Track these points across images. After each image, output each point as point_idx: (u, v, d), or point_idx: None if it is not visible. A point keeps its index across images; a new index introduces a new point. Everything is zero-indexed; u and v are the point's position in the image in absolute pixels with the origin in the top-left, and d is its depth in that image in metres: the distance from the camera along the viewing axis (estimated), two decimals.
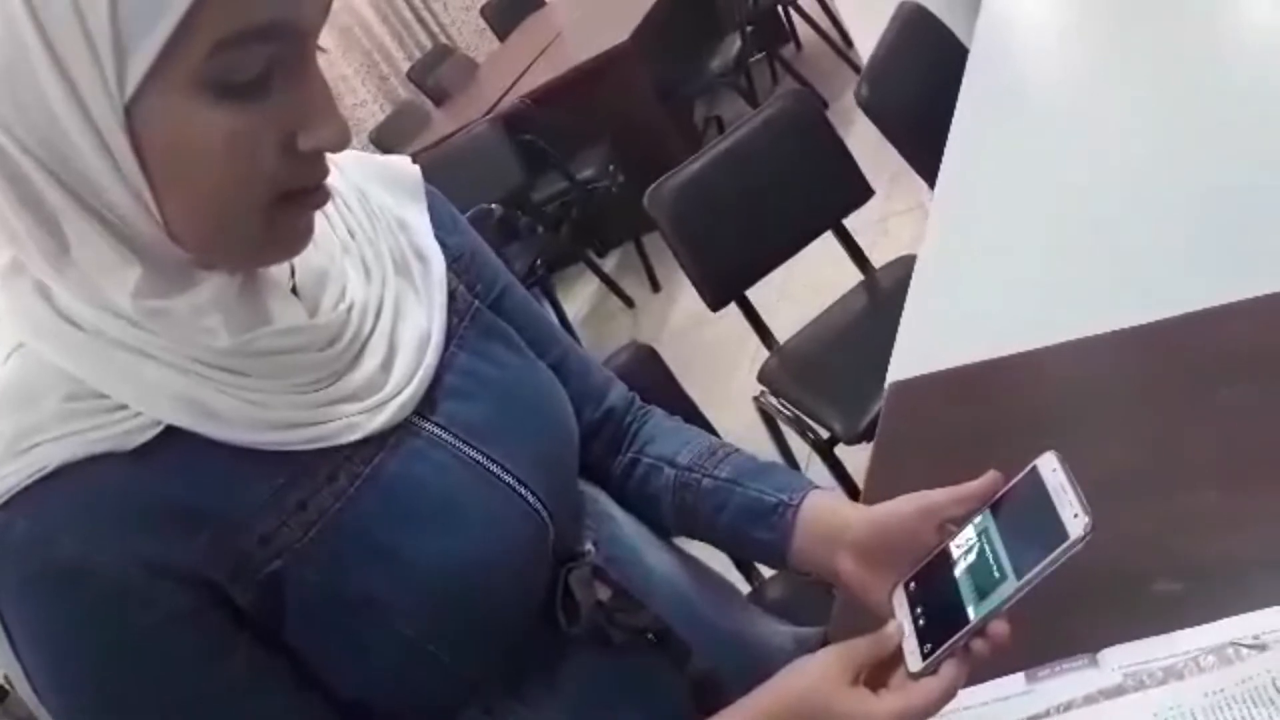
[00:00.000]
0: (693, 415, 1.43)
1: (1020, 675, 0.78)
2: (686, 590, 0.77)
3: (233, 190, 0.52)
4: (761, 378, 1.92)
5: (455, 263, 0.71)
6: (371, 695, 0.60)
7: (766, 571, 1.46)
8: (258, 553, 0.56)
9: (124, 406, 0.54)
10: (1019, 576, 0.58)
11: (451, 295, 0.69)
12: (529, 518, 0.65)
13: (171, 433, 0.54)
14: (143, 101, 0.48)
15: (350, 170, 0.68)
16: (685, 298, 3.36)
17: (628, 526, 0.77)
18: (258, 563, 0.56)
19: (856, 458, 1.69)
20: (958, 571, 0.62)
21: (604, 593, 0.68)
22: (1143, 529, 0.83)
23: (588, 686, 0.67)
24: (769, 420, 1.96)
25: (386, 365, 0.62)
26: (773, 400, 1.87)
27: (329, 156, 0.59)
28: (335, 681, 0.59)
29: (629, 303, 3.61)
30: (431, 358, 0.64)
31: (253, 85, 0.50)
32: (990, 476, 0.64)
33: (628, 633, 0.69)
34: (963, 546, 0.63)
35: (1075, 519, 0.57)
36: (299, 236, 0.57)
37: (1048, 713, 0.74)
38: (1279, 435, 0.85)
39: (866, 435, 1.62)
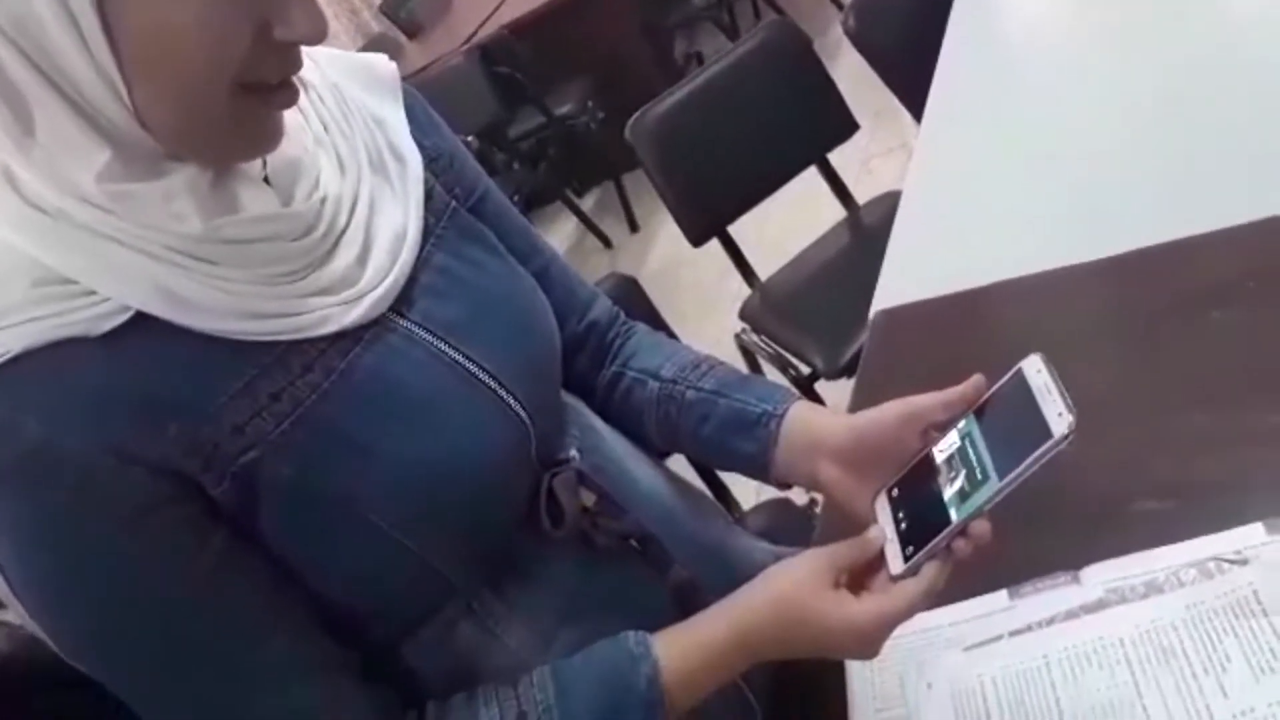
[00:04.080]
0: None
1: (1003, 592, 0.78)
2: (669, 502, 0.77)
3: (203, 77, 0.51)
4: (743, 314, 1.91)
5: (433, 163, 0.70)
6: (350, 592, 0.60)
7: (745, 503, 1.47)
8: (229, 444, 0.55)
9: (92, 292, 0.52)
10: (1001, 476, 0.58)
11: (429, 194, 0.67)
12: (509, 420, 0.64)
13: (141, 319, 0.53)
14: None
15: (326, 65, 0.66)
16: (664, 238, 3.34)
17: (611, 439, 0.76)
18: (230, 454, 0.55)
19: (837, 393, 1.69)
20: (940, 475, 0.62)
21: (588, 498, 0.68)
22: (1126, 450, 0.84)
23: (571, 589, 0.67)
24: (749, 358, 1.96)
25: (362, 259, 0.60)
26: (754, 337, 1.87)
27: (305, 51, 0.57)
28: (312, 578, 0.58)
29: (607, 243, 3.58)
30: (408, 254, 0.63)
31: None
32: (974, 380, 0.63)
33: (611, 538, 0.68)
34: (945, 451, 0.63)
35: (1059, 418, 0.57)
36: (267, 135, 0.56)
37: (1030, 628, 0.75)
38: (1260, 358, 0.86)
39: (847, 370, 1.62)
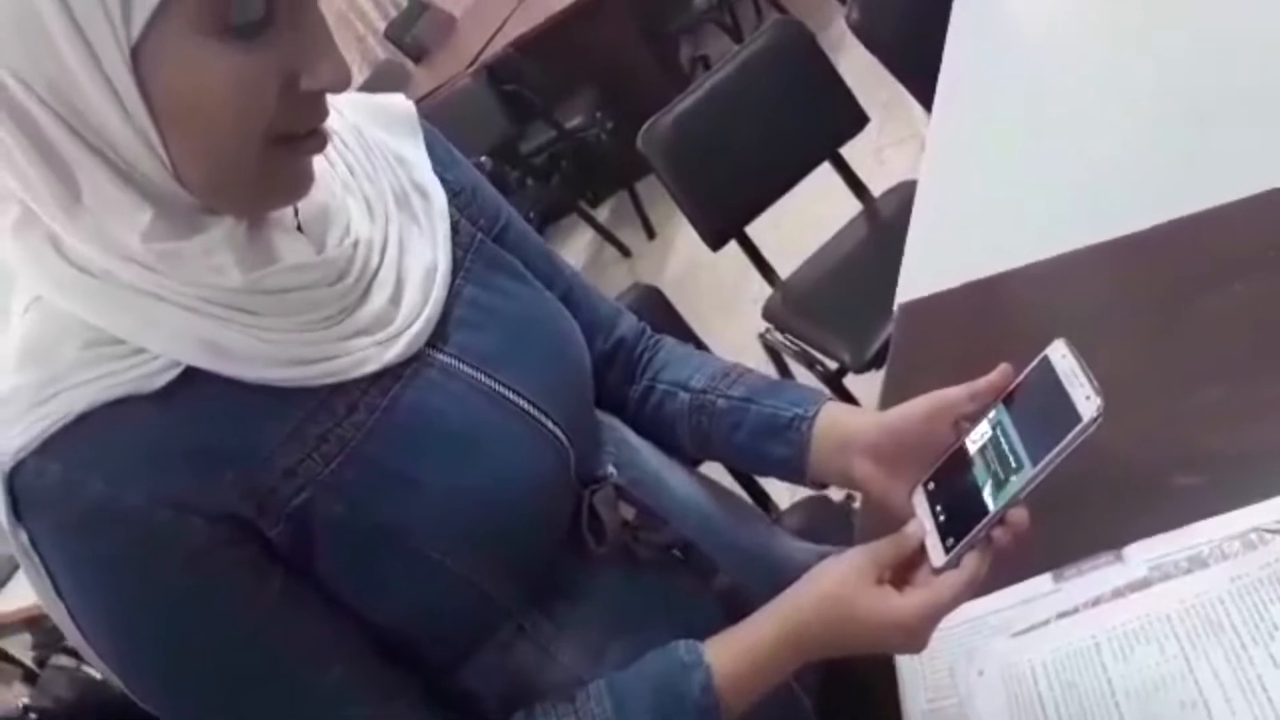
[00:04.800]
0: (700, 349, 1.44)
1: (1047, 576, 0.79)
2: (708, 510, 0.78)
3: (235, 131, 0.52)
4: (766, 314, 1.92)
5: (456, 197, 0.71)
6: (404, 620, 0.61)
7: (782, 504, 1.47)
8: (282, 487, 0.57)
9: (142, 350, 0.54)
10: (1034, 463, 0.58)
11: (454, 228, 0.69)
12: (548, 443, 0.65)
13: (190, 373, 0.55)
14: (149, 44, 0.49)
15: (346, 110, 0.68)
16: (682, 243, 3.35)
17: (646, 452, 0.78)
18: (283, 496, 0.56)
19: (866, 386, 1.69)
20: (975, 465, 0.63)
21: (628, 512, 0.69)
22: (1159, 426, 0.84)
23: (617, 603, 0.68)
24: (776, 357, 1.96)
25: (395, 299, 0.62)
26: (779, 336, 1.88)
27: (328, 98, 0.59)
28: (368, 609, 0.60)
29: (625, 252, 3.60)
30: (440, 290, 0.64)
31: (256, 26, 0.51)
32: (1002, 369, 0.64)
33: (653, 549, 0.70)
34: (978, 441, 0.64)
35: (1087, 401, 0.57)
36: (300, 181, 0.57)
37: (1076, 609, 0.76)
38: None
39: (875, 363, 1.62)
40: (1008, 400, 0.64)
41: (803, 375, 1.95)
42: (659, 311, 1.45)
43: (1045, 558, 0.79)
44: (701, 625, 0.68)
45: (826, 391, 0.77)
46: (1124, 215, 1.05)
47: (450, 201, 0.70)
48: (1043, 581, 0.79)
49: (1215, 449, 0.80)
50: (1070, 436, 0.57)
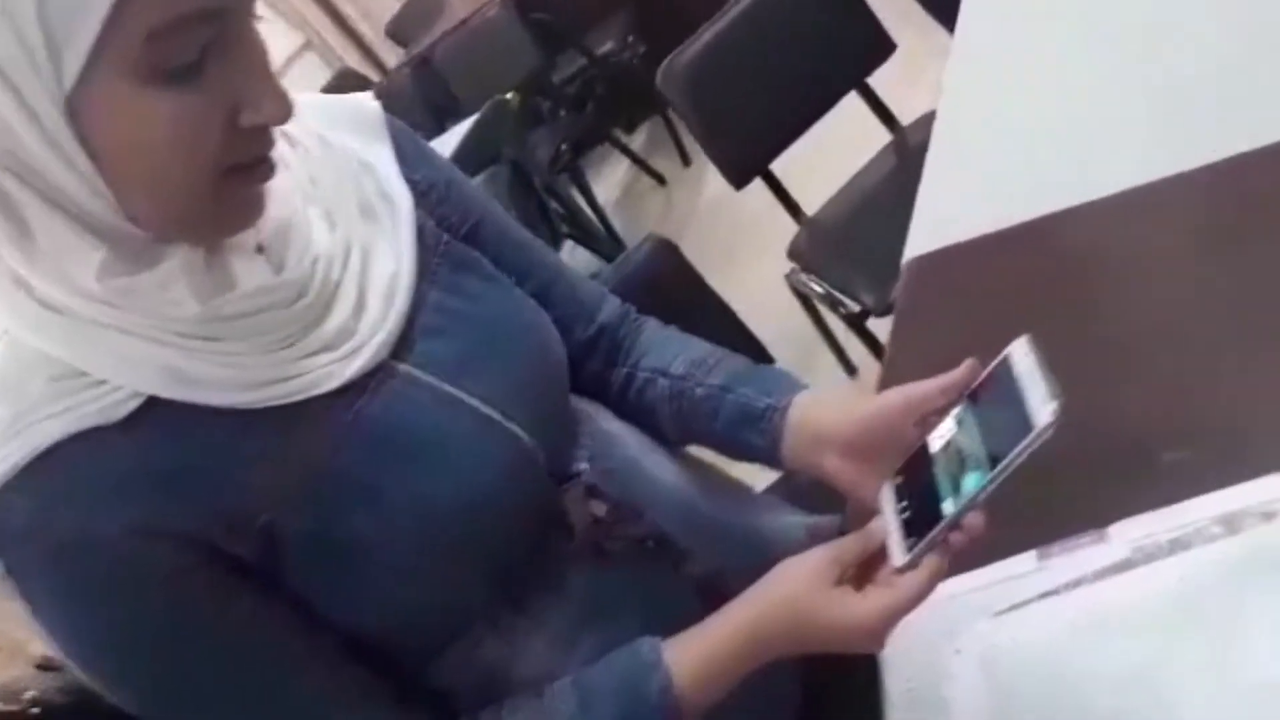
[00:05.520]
0: (714, 308, 1.42)
1: (1032, 553, 0.78)
2: (689, 494, 0.79)
3: (180, 172, 0.53)
4: (791, 254, 1.89)
5: (424, 197, 0.71)
6: (376, 625, 0.63)
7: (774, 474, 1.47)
8: (250, 507, 0.58)
9: (104, 382, 0.56)
10: (990, 468, 0.57)
11: (420, 232, 0.69)
12: (514, 448, 0.66)
13: (155, 402, 0.57)
14: (83, 94, 0.50)
15: (310, 116, 0.67)
16: (717, 170, 3.29)
17: (627, 439, 0.78)
18: (250, 517, 0.58)
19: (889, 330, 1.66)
20: (936, 464, 0.62)
21: (600, 508, 0.70)
22: (1152, 397, 0.82)
23: (588, 596, 0.69)
24: (804, 299, 1.94)
25: (358, 310, 0.63)
26: (803, 277, 1.85)
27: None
28: (340, 615, 0.62)
29: (660, 180, 3.55)
30: (402, 299, 0.65)
31: (191, 68, 0.51)
32: (967, 365, 0.63)
33: (625, 544, 0.71)
34: (942, 438, 0.63)
35: (1043, 405, 0.56)
36: (250, 209, 0.58)
37: (1059, 590, 0.75)
38: None
39: None
40: (973, 397, 0.63)
41: (828, 317, 1.93)
42: (674, 265, 1.44)
43: (1030, 534, 0.78)
44: (676, 614, 0.69)
45: (801, 382, 0.76)
46: (1137, 166, 1.00)
47: (418, 203, 0.70)
48: (1026, 559, 0.78)
49: (1206, 423, 0.78)
50: (1023, 444, 0.56)
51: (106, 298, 0.55)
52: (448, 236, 0.72)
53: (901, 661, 0.79)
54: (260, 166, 0.57)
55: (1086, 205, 1.02)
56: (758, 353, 1.44)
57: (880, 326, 1.73)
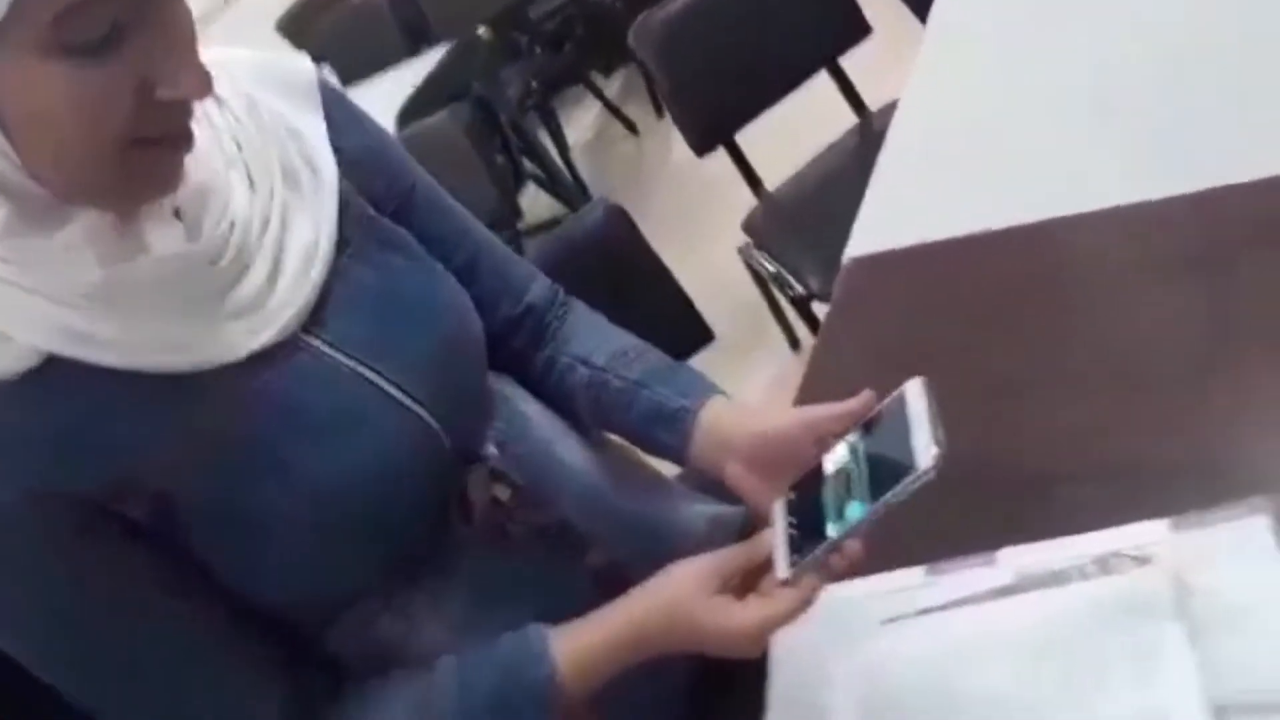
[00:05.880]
0: (660, 279, 1.43)
1: (922, 568, 0.81)
2: (599, 482, 0.80)
3: (86, 143, 0.52)
4: (745, 227, 1.89)
5: (354, 166, 0.70)
6: (271, 593, 0.64)
7: None
8: (146, 472, 0.58)
9: (4, 335, 0.55)
10: (872, 500, 0.60)
11: (345, 205, 0.68)
12: (419, 430, 0.66)
13: (54, 360, 0.56)
14: None
15: (241, 76, 0.66)
16: None
17: (542, 423, 0.79)
18: (147, 481, 0.58)
19: None
20: (826, 486, 0.64)
21: (504, 492, 0.71)
22: (1059, 428, 0.85)
23: (485, 579, 0.71)
24: (755, 272, 1.95)
25: (272, 279, 0.62)
26: (755, 253, 1.85)
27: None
28: (234, 582, 0.63)
29: (632, 129, 3.51)
30: (319, 270, 0.64)
31: (102, 42, 0.50)
32: (863, 397, 0.65)
33: (527, 529, 0.72)
34: (834, 462, 0.65)
35: (926, 450, 0.58)
36: (166, 180, 0.57)
37: (944, 607, 0.78)
38: (1211, 337, 0.85)
39: None
40: (867, 427, 0.65)
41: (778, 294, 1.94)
42: (624, 232, 1.44)
43: (922, 549, 0.81)
44: (573, 602, 0.71)
45: (715, 386, 0.78)
46: (1087, 193, 1.01)
47: (346, 173, 0.69)
48: (916, 574, 0.81)
49: (1106, 461, 0.81)
50: (903, 484, 0.58)
51: (6, 255, 0.54)
52: (373, 211, 0.71)
53: (788, 661, 0.82)
54: (175, 139, 0.56)
55: (1027, 227, 1.04)
56: (698, 329, 1.45)
57: (825, 311, 1.75)
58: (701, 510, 0.89)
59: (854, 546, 0.62)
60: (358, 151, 0.71)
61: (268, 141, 0.65)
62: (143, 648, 0.61)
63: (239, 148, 0.64)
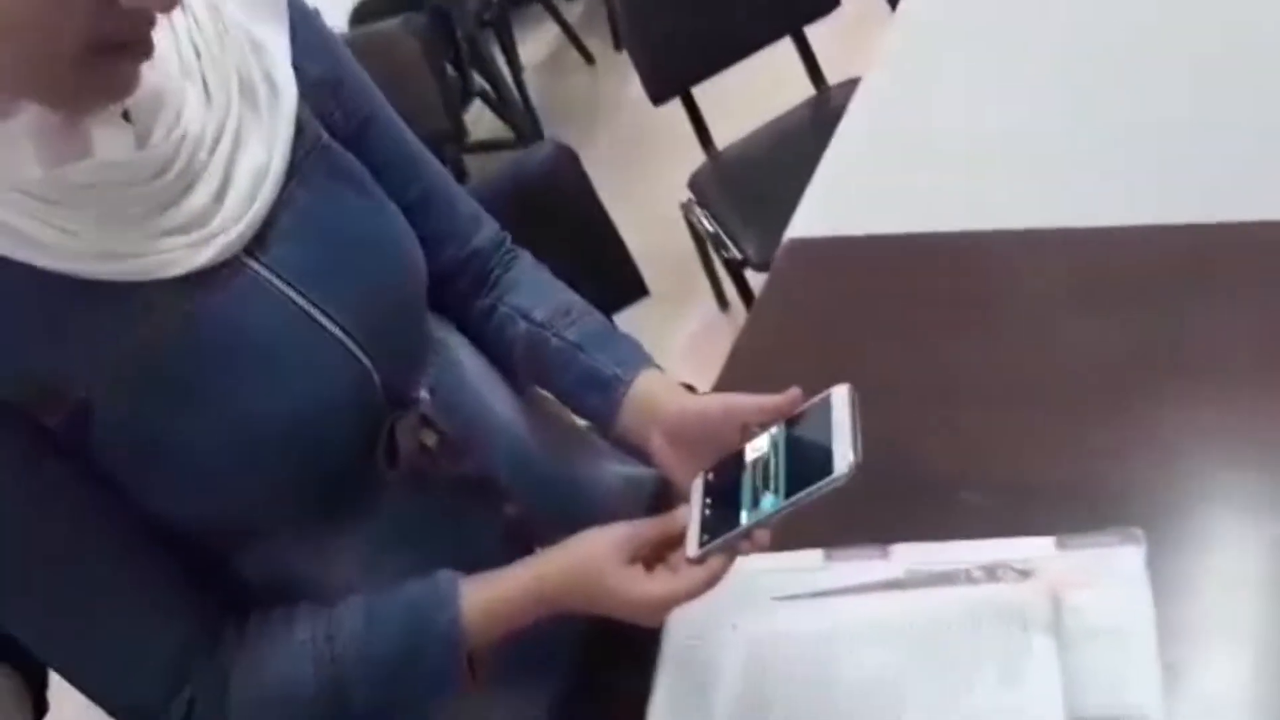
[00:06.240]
0: (601, 225, 1.42)
1: (819, 551, 0.85)
2: (523, 435, 0.81)
3: (45, 48, 0.50)
4: (691, 184, 1.89)
5: (314, 89, 0.68)
6: (182, 515, 0.63)
7: None
8: (65, 380, 0.57)
9: None
10: (786, 496, 0.62)
11: (300, 129, 0.66)
12: (352, 368, 0.66)
13: None
14: None
15: None
16: None
17: (474, 371, 0.79)
18: (65, 391, 0.57)
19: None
20: (743, 475, 0.66)
21: (431, 438, 0.71)
22: (968, 438, 0.89)
23: (400, 522, 0.71)
24: (694, 231, 1.96)
25: (219, 197, 0.60)
26: (697, 211, 1.86)
27: None
28: (144, 500, 0.62)
29: (589, 59, 3.45)
30: (268, 192, 0.62)
31: None
32: (790, 395, 0.67)
33: (448, 478, 0.72)
34: (755, 452, 0.67)
35: (843, 459, 0.61)
36: (121, 86, 0.55)
37: (834, 592, 0.82)
38: (1114, 370, 0.89)
39: None
40: (790, 423, 0.67)
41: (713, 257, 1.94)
42: (570, 175, 1.42)
43: (822, 533, 0.85)
44: (481, 551, 0.72)
45: (649, 358, 0.79)
46: (1035, 210, 1.04)
47: (305, 94, 0.67)
48: (814, 556, 0.85)
49: (1004, 473, 0.85)
50: (817, 486, 0.61)
51: None
52: (327, 137, 0.69)
53: (682, 624, 0.85)
54: (134, 48, 0.54)
55: (967, 234, 1.07)
56: (634, 283, 1.45)
57: (756, 279, 1.77)
58: (618, 470, 0.91)
59: (762, 536, 0.64)
60: (319, 73, 0.69)
61: (228, 51, 0.63)
62: (41, 556, 0.60)
63: (197, 55, 0.61)
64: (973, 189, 1.13)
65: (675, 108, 1.92)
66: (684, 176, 1.92)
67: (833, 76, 1.97)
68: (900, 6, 1.48)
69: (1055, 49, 1.30)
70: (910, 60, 1.39)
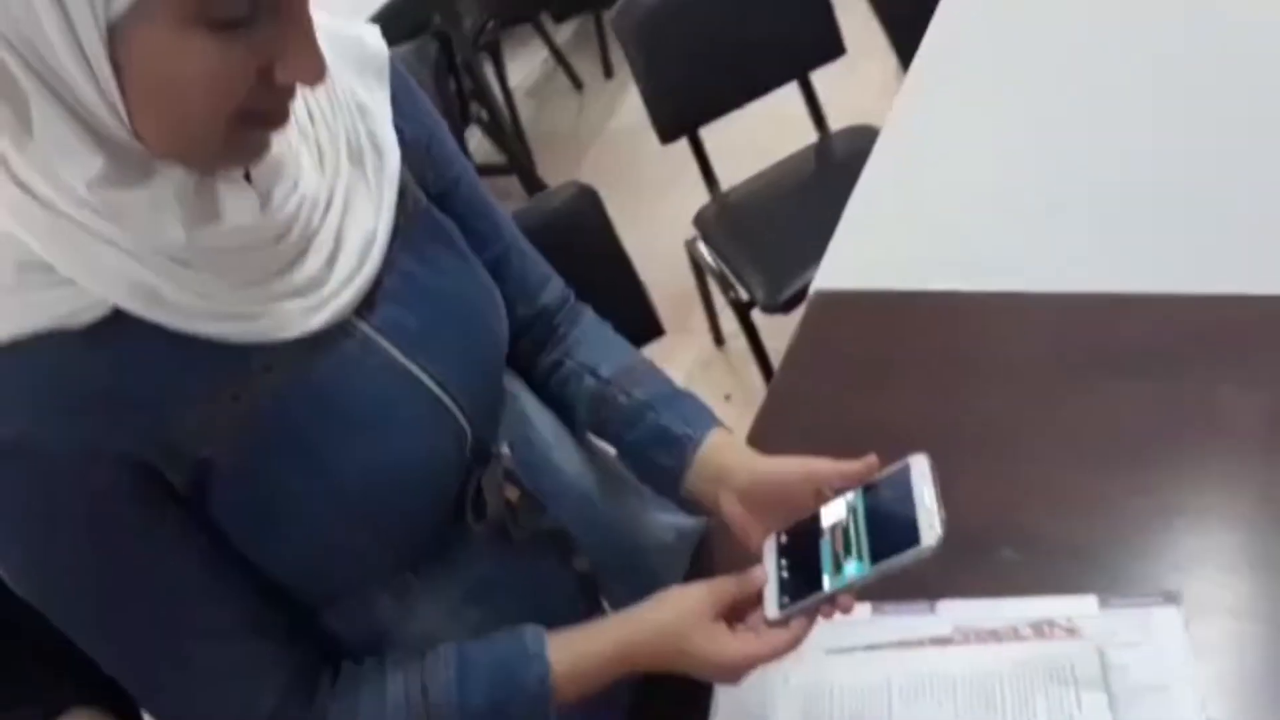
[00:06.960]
0: (620, 266, 1.45)
1: (868, 605, 0.88)
2: (589, 489, 0.83)
3: (203, 114, 0.53)
4: (696, 221, 1.93)
5: (410, 150, 0.71)
6: (283, 568, 0.65)
7: None
8: (190, 440, 0.59)
9: (72, 283, 0.54)
10: (872, 563, 0.65)
11: (402, 192, 0.68)
12: (452, 428, 0.68)
13: (118, 316, 0.56)
14: (128, 25, 0.49)
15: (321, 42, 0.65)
16: (637, 94, 3.25)
17: (541, 426, 0.82)
18: (189, 449, 0.59)
19: (773, 326, 1.74)
20: (823, 539, 0.69)
21: (513, 493, 0.74)
22: (1005, 495, 0.93)
23: (483, 573, 0.73)
24: (696, 268, 1.99)
25: (331, 261, 0.63)
26: (702, 249, 1.89)
27: None
28: (251, 553, 0.64)
29: (577, 84, 3.48)
30: (375, 258, 0.65)
31: (242, 19, 0.51)
32: (867, 461, 0.70)
33: (527, 531, 0.75)
34: (832, 517, 0.70)
35: (930, 529, 0.63)
36: (256, 150, 0.58)
37: (885, 646, 0.85)
38: (1151, 433, 0.94)
39: (785, 307, 1.67)
40: (868, 489, 0.70)
41: (716, 295, 1.97)
42: (592, 215, 1.45)
43: (867, 589, 0.88)
44: (557, 602, 0.75)
45: (716, 418, 0.81)
46: (1059, 276, 1.09)
47: (403, 157, 0.69)
48: (863, 609, 0.88)
49: (1044, 532, 0.89)
50: (906, 556, 0.64)
51: (93, 205, 0.54)
52: (426, 201, 0.72)
53: None
54: (275, 117, 0.57)
55: (1005, 294, 1.10)
56: (649, 323, 1.48)
57: (762, 321, 1.81)
58: (669, 521, 0.94)
59: (848, 601, 0.67)
60: (413, 134, 0.72)
61: (338, 114, 0.65)
62: (156, 603, 0.62)
63: (310, 118, 0.64)
64: (1002, 245, 1.18)
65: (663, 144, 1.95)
66: (671, 207, 1.95)
67: (833, 121, 2.02)
68: (919, 53, 1.52)
69: (1073, 113, 1.35)
70: (929, 112, 1.44)
